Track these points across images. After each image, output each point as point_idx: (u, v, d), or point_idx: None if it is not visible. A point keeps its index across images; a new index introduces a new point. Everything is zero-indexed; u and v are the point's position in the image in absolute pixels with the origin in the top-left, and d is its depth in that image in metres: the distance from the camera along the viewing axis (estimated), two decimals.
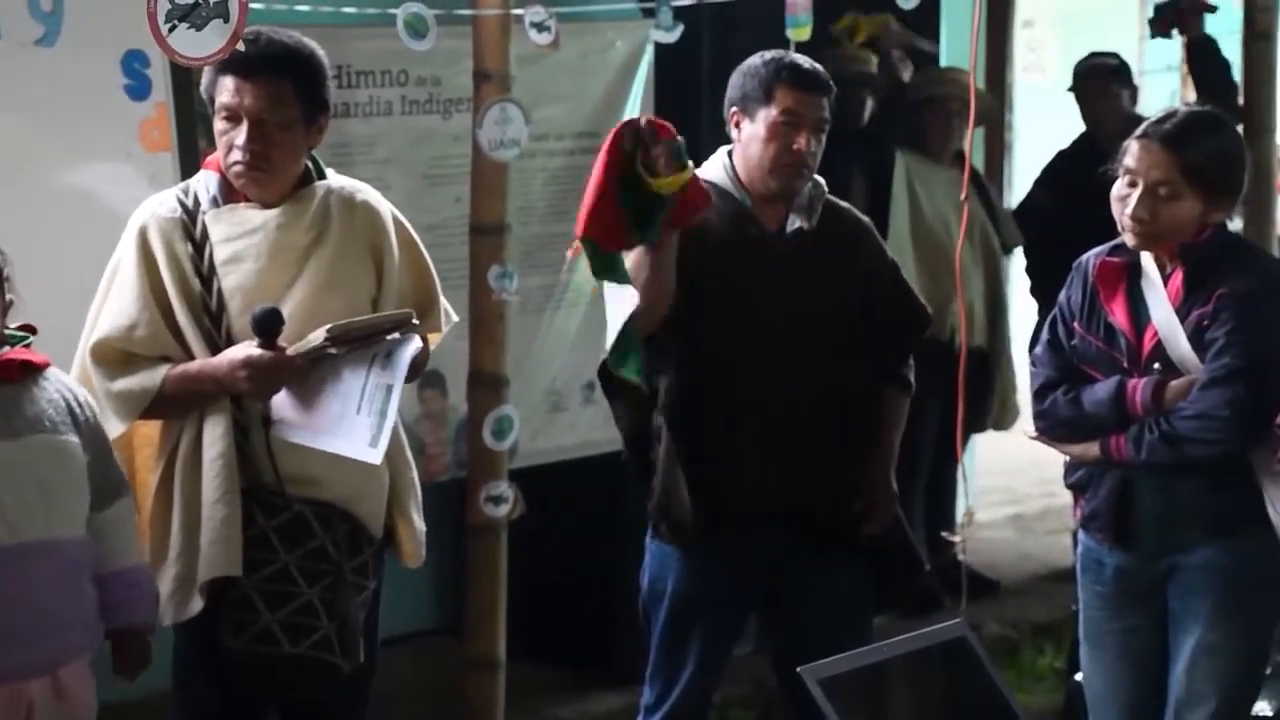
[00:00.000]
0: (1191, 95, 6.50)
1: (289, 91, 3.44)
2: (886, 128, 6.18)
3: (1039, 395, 3.77)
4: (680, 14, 4.68)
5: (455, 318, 3.78)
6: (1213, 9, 6.12)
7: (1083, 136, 6.39)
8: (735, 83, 3.81)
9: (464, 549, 4.60)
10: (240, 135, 3.43)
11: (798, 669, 2.75)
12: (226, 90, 3.43)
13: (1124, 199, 3.61)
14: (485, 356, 4.52)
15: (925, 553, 4.48)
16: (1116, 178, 3.64)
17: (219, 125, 3.47)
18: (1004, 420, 6.40)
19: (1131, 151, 3.62)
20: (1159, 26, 6.20)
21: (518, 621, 4.68)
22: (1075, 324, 3.73)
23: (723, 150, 3.88)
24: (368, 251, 3.56)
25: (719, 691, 4.27)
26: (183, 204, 3.50)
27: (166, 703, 3.71)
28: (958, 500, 6.07)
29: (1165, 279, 3.64)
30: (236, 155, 3.44)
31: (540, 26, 4.40)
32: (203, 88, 3.53)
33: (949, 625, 2.97)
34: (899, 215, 6.05)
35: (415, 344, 3.46)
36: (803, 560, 3.81)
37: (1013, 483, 7.64)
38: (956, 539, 4.47)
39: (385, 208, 3.63)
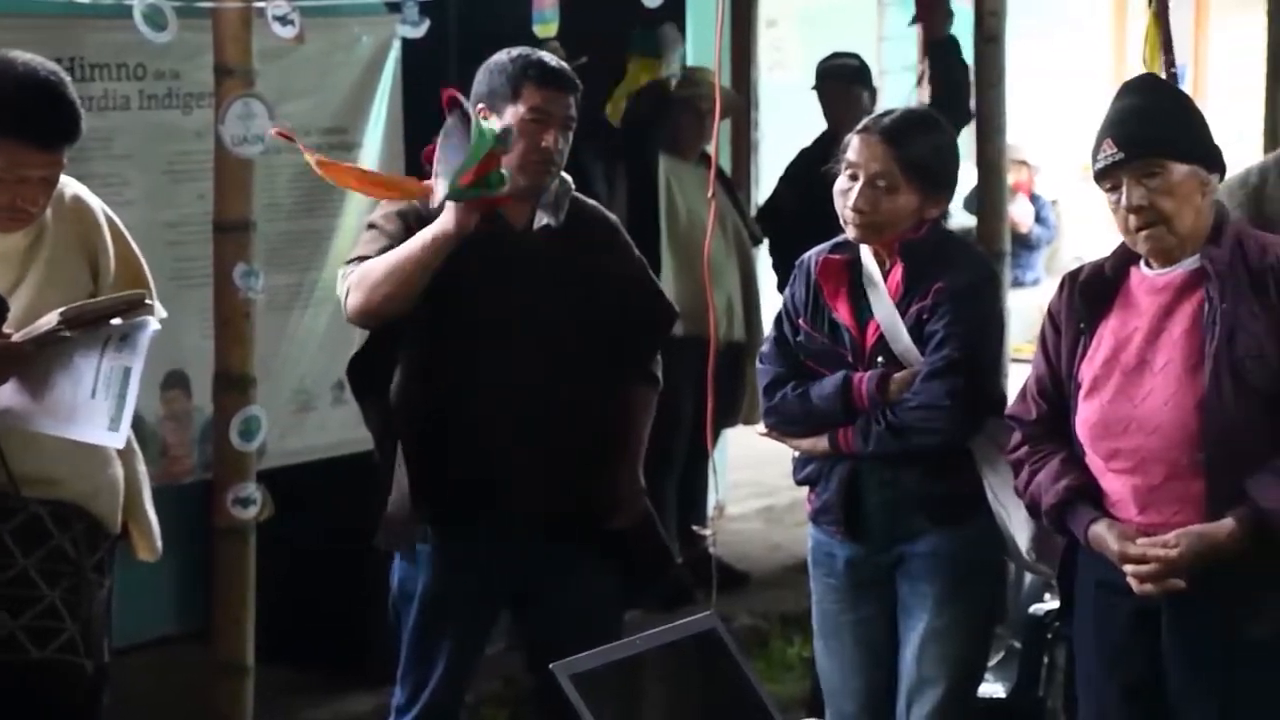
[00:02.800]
0: (927, 95, 6.68)
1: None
2: (651, 130, 6.24)
3: (768, 391, 3.82)
4: (426, 9, 4.65)
5: (164, 313, 3.67)
6: None
7: (824, 135, 6.51)
8: (481, 79, 3.79)
9: (210, 552, 4.52)
10: (25, 194, 3.30)
11: (550, 666, 2.76)
12: (11, 152, 3.26)
13: (845, 192, 3.69)
14: (231, 356, 4.44)
15: (676, 546, 4.53)
16: (839, 174, 3.73)
17: None
18: (755, 414, 6.48)
19: (853, 146, 3.70)
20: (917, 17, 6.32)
21: (267, 624, 4.62)
22: (800, 321, 3.79)
23: None
24: (82, 248, 3.47)
25: (472, 690, 4.26)
26: None
27: None
28: (709, 494, 6.15)
29: (885, 275, 3.72)
30: (17, 212, 3.32)
31: (283, 20, 4.34)
32: None
33: (700, 618, 2.99)
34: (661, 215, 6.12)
35: (153, 325, 3.38)
36: (552, 557, 3.81)
37: (762, 475, 7.74)
38: (707, 532, 4.52)
39: (95, 202, 3.54)
